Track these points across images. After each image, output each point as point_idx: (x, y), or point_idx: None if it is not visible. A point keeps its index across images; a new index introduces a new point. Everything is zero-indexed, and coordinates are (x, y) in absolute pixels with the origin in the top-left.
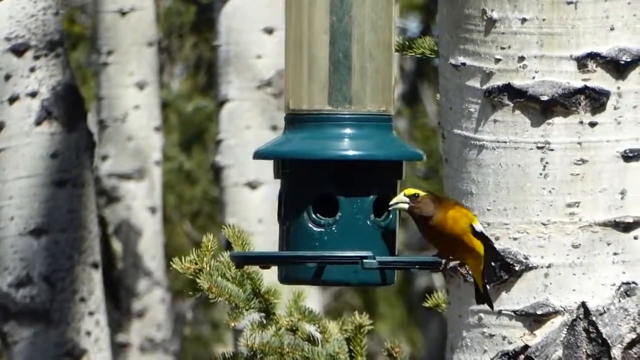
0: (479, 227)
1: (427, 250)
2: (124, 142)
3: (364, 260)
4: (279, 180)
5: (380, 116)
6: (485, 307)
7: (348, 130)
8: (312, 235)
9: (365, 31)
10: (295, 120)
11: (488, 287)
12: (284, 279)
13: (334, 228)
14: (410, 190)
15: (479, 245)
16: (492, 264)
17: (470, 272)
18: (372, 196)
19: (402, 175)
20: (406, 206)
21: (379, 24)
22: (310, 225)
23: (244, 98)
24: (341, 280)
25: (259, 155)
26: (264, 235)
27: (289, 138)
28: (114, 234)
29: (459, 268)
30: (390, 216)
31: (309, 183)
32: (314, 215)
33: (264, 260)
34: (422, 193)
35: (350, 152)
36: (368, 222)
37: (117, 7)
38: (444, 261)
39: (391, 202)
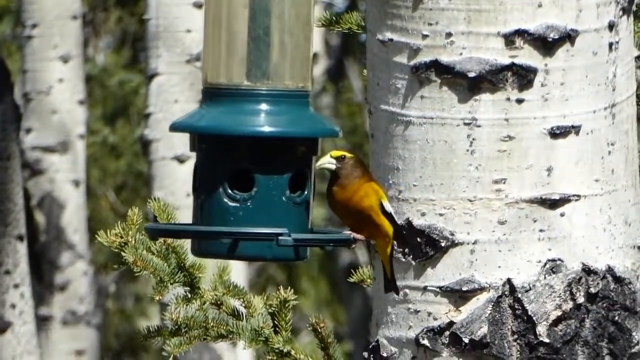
0: (388, 207)
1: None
2: (48, 115)
3: (279, 238)
4: None
5: (298, 92)
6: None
7: (265, 106)
8: (227, 209)
9: (285, 7)
10: (213, 94)
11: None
12: (198, 252)
13: (249, 203)
14: (337, 152)
15: (386, 224)
16: (418, 239)
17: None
18: (288, 172)
19: (318, 152)
20: (333, 167)
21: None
22: (225, 199)
23: (173, 72)
24: (255, 255)
25: (174, 127)
26: (192, 209)
27: (205, 112)
28: (37, 207)
29: (370, 244)
30: (306, 192)
31: (224, 158)
32: (229, 190)
33: (179, 234)
34: (348, 155)
35: (266, 129)
36: (283, 198)
37: None
38: (353, 238)
39: (318, 163)
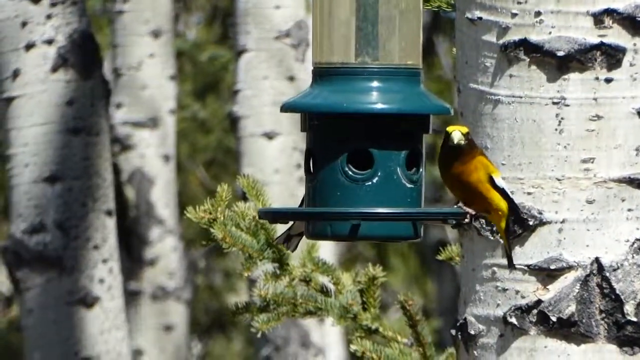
0: (500, 182)
1: (440, 203)
2: (138, 91)
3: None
4: (295, 132)
5: (408, 69)
6: (498, 261)
7: (376, 84)
8: (347, 188)
9: None
10: (323, 73)
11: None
12: (312, 234)
13: (369, 182)
14: (464, 128)
15: (497, 198)
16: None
17: (497, 231)
18: (404, 150)
19: (429, 130)
20: (464, 142)
21: None
22: (343, 179)
23: (262, 48)
24: (377, 235)
25: (287, 107)
26: (280, 186)
27: (317, 91)
28: (127, 182)
29: (479, 219)
30: (420, 170)
31: (338, 136)
32: (347, 169)
33: (301, 217)
34: (466, 130)
35: (379, 106)
36: (402, 176)
37: None
38: (466, 212)
39: (454, 136)
